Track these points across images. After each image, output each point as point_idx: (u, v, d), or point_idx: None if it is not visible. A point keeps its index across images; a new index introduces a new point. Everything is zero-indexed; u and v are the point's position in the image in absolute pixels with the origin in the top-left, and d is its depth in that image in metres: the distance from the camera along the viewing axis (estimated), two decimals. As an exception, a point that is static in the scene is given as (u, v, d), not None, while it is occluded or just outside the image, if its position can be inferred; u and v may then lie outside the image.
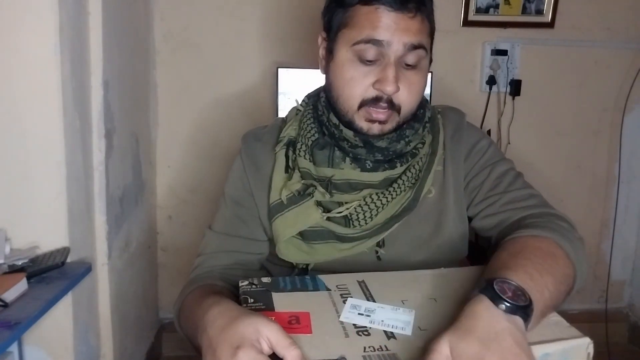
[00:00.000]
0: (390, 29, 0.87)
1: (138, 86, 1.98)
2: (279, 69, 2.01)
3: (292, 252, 0.98)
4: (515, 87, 2.23)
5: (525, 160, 2.24)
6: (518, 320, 0.64)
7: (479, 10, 2.20)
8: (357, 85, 0.90)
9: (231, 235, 1.04)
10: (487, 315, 0.63)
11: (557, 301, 0.75)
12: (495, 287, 0.66)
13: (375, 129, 0.92)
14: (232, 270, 1.00)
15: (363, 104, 0.91)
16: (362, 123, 0.92)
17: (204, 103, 2.20)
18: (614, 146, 2.38)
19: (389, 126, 0.93)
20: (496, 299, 0.64)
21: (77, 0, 1.39)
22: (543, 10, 2.22)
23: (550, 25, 2.23)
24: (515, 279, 0.69)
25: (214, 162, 2.20)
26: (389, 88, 0.88)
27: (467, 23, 2.20)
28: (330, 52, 0.95)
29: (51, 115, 1.29)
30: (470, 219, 1.02)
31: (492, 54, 2.22)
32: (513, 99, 2.26)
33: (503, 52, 2.21)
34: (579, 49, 2.28)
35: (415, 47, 0.89)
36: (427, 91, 2.03)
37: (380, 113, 0.91)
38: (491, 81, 2.22)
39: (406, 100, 0.92)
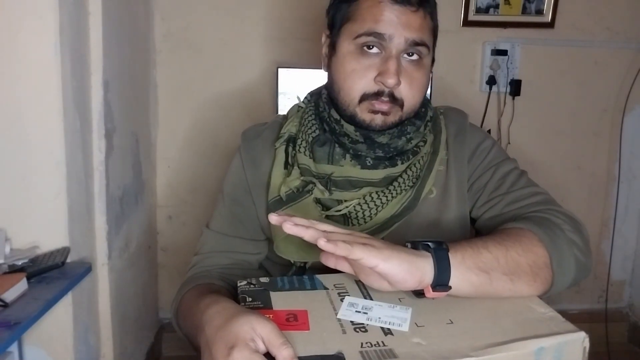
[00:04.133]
0: (393, 22, 0.88)
1: (138, 86, 1.98)
2: (279, 69, 2.01)
3: (291, 250, 0.98)
4: (515, 87, 2.24)
5: (525, 160, 2.21)
6: (423, 254, 0.74)
7: (479, 10, 2.20)
8: (358, 78, 0.91)
9: (228, 235, 1.03)
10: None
11: (514, 271, 0.77)
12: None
13: (378, 119, 0.92)
14: (230, 270, 1.00)
15: (364, 98, 0.92)
16: (364, 115, 0.92)
17: (204, 103, 2.20)
18: (614, 146, 2.38)
19: (391, 118, 0.93)
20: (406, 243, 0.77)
21: (77, 0, 1.39)
22: (543, 10, 2.22)
23: (550, 25, 2.23)
24: (452, 245, 0.76)
25: (214, 162, 2.21)
26: (390, 80, 0.88)
27: (467, 23, 2.21)
28: (332, 47, 0.96)
29: (51, 115, 1.29)
30: (474, 220, 1.02)
31: (492, 54, 2.22)
32: (513, 99, 2.27)
33: (503, 52, 2.21)
34: (579, 49, 2.28)
35: (417, 43, 0.90)
36: (427, 91, 2.03)
37: (382, 104, 0.91)
38: (491, 81, 2.22)
39: (408, 94, 0.92)
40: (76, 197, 1.39)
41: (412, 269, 0.71)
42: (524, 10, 2.22)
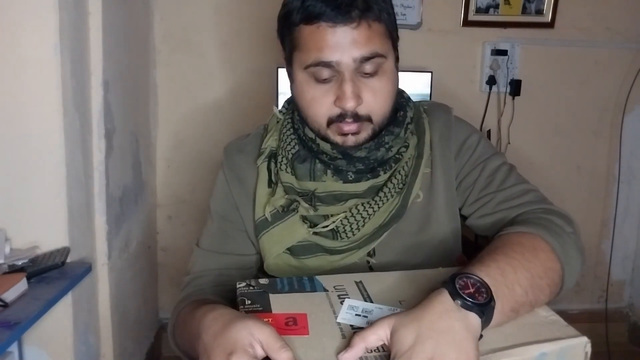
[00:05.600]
0: (337, 46, 0.83)
1: (138, 86, 1.98)
2: (279, 69, 2.01)
3: (282, 267, 0.97)
4: (515, 87, 2.24)
5: (525, 160, 2.24)
6: (472, 317, 0.64)
7: (479, 10, 2.20)
8: (318, 105, 0.88)
9: (219, 252, 1.01)
10: (439, 309, 0.64)
11: (537, 297, 0.74)
12: (456, 282, 0.66)
13: (350, 141, 0.90)
14: (223, 287, 0.97)
15: (330, 122, 0.89)
16: (336, 138, 0.90)
17: (204, 103, 2.20)
18: (614, 146, 2.38)
19: (363, 135, 0.90)
20: (454, 294, 0.65)
21: (77, 0, 1.39)
22: (543, 10, 2.22)
23: (550, 25, 2.23)
24: (484, 274, 0.68)
25: (213, 162, 2.19)
26: (348, 105, 0.85)
27: (467, 23, 2.21)
28: (289, 74, 0.94)
29: (51, 115, 1.29)
30: (465, 217, 1.00)
31: (492, 54, 2.22)
32: (513, 99, 2.26)
33: (503, 52, 2.22)
34: (579, 49, 2.28)
35: (368, 58, 0.84)
36: (427, 91, 2.03)
37: (349, 125, 0.88)
38: (491, 81, 2.22)
39: (374, 107, 0.89)
40: (76, 197, 1.39)
41: (475, 350, 0.63)
42: (524, 10, 2.22)
